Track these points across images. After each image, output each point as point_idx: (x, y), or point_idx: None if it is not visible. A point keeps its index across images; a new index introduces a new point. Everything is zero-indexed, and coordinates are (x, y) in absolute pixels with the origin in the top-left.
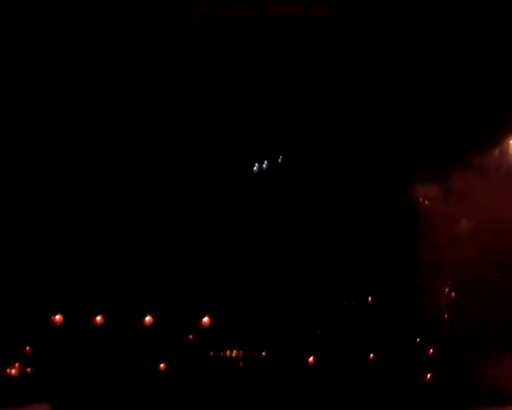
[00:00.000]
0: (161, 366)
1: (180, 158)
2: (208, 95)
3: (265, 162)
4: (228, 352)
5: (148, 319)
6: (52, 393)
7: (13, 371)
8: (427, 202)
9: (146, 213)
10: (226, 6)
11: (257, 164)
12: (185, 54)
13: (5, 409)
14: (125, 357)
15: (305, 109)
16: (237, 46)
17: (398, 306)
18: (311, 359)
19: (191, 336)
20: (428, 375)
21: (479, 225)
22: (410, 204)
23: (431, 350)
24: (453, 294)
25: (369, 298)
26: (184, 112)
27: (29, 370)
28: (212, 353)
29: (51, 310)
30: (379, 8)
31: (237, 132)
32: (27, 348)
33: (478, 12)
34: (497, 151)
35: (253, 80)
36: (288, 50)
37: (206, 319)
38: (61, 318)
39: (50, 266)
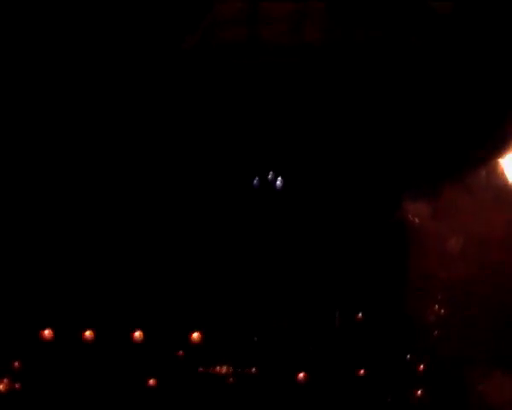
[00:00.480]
0: (151, 381)
1: (174, 176)
2: (202, 116)
3: (256, 180)
4: (218, 368)
5: (137, 334)
6: None
7: (1, 386)
8: (416, 219)
9: (135, 228)
10: (220, 31)
11: (249, 180)
12: (179, 77)
13: None
14: (114, 372)
15: (298, 128)
16: (231, 69)
17: (389, 322)
18: (301, 375)
19: (181, 352)
20: (419, 391)
21: (469, 242)
22: (399, 222)
23: (421, 367)
24: (443, 311)
25: (360, 314)
26: (180, 133)
27: (17, 386)
28: (201, 369)
29: (40, 324)
30: (372, 29)
31: (233, 149)
32: (16, 363)
33: (473, 31)
34: (485, 170)
35: (247, 103)
36: (281, 73)
37: (195, 335)
38: (51, 332)
39: (39, 280)
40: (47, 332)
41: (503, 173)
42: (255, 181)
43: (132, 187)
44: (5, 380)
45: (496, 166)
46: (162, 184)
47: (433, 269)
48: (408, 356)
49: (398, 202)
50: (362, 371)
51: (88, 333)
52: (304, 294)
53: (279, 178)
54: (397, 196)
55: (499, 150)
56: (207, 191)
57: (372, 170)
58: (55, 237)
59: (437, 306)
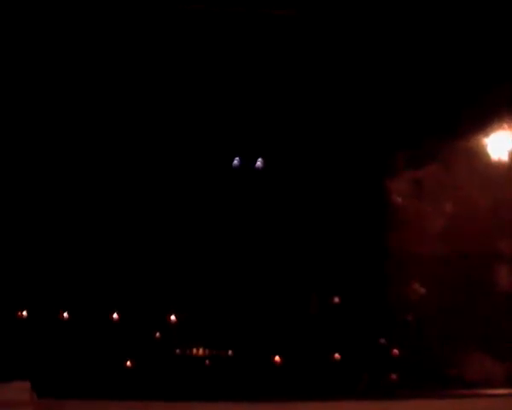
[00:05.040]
0: (128, 363)
1: (161, 161)
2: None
3: (238, 160)
4: (194, 350)
5: (115, 315)
6: (29, 369)
7: None
8: (396, 196)
9: (113, 208)
10: None
11: (236, 161)
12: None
13: None
14: (90, 353)
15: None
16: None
17: (365, 305)
18: (277, 358)
19: (158, 334)
20: (394, 376)
21: (450, 220)
22: (379, 199)
23: (396, 351)
24: (420, 293)
25: (336, 298)
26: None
27: None
28: (178, 351)
29: (17, 306)
30: None
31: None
32: None
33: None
34: (468, 146)
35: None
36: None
37: (173, 317)
38: (25, 312)
39: (17, 262)
40: (23, 313)
41: (486, 151)
42: (235, 162)
43: (116, 164)
44: None
45: (479, 143)
46: (144, 162)
47: (413, 249)
48: (382, 340)
49: (378, 179)
50: (336, 355)
51: (64, 314)
52: (280, 276)
53: (259, 160)
54: (377, 173)
55: (483, 127)
56: (187, 170)
57: (350, 145)
58: (36, 221)
59: (414, 288)
